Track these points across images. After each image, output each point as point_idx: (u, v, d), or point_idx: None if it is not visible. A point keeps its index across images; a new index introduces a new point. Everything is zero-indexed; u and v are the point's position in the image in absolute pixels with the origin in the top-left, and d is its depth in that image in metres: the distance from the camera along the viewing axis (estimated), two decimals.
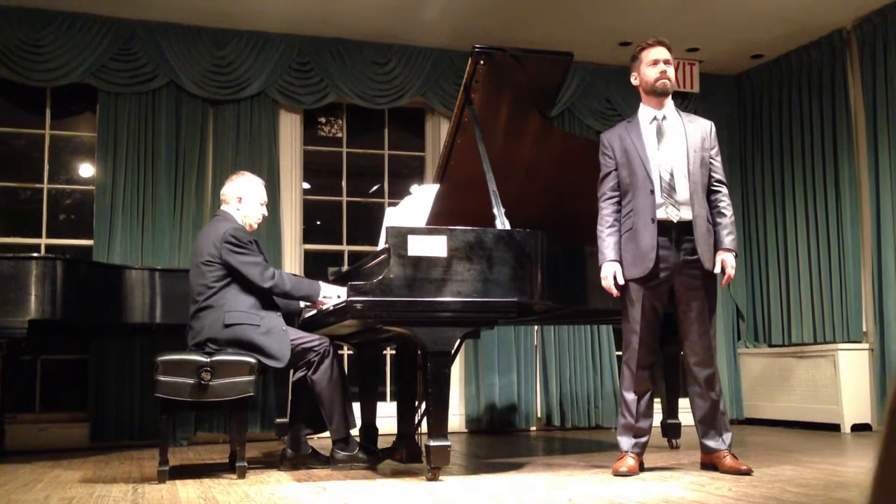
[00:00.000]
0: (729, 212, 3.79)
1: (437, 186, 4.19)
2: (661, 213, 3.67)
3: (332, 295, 4.04)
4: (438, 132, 6.58)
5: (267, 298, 4.02)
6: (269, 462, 4.43)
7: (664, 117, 3.80)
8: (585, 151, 4.56)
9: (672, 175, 3.70)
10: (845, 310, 6.11)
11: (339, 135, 6.71)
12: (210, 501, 3.10)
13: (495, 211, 3.72)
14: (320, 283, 4.13)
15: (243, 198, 4.17)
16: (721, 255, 3.73)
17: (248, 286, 3.95)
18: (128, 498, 3.23)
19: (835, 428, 5.93)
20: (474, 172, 3.95)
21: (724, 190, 3.82)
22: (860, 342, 6.03)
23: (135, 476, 3.92)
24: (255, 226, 4.26)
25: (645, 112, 3.84)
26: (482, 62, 3.99)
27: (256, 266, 3.95)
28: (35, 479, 3.86)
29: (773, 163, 6.83)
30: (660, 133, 3.77)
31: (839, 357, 5.95)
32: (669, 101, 3.85)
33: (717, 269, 3.72)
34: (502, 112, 4.33)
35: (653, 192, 3.68)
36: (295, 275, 4.43)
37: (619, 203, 3.80)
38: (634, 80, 3.88)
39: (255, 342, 3.86)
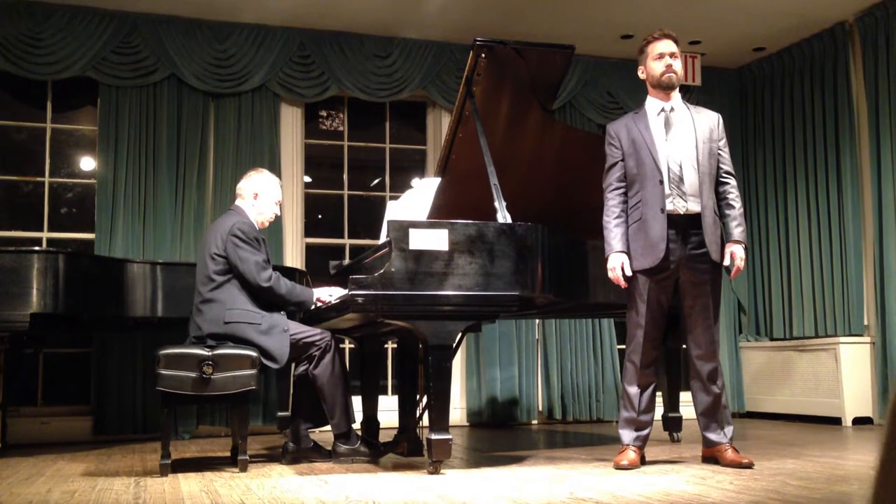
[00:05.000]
0: (738, 203, 3.78)
1: (438, 180, 4.18)
2: (668, 205, 3.66)
3: (325, 297, 4.05)
4: (440, 125, 6.57)
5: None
6: (271, 455, 4.44)
7: (672, 109, 3.79)
8: (587, 144, 4.56)
9: (681, 166, 3.69)
10: (847, 303, 6.10)
11: (341, 128, 6.70)
12: (212, 495, 3.11)
13: (497, 204, 3.72)
14: (314, 289, 4.14)
15: (259, 194, 4.16)
16: (730, 248, 3.73)
17: (246, 283, 3.95)
18: (130, 491, 3.23)
19: (836, 421, 5.93)
20: (475, 166, 3.94)
21: (733, 181, 3.81)
22: (861, 336, 6.03)
23: (137, 469, 3.93)
24: (268, 224, 4.24)
25: (652, 104, 3.83)
26: (483, 55, 3.98)
27: (256, 265, 3.93)
28: (37, 472, 3.86)
29: (774, 156, 6.82)
30: (668, 124, 3.76)
31: (840, 350, 5.95)
32: (676, 94, 3.84)
33: (727, 262, 3.72)
34: (504, 105, 4.32)
35: (662, 182, 3.67)
36: (305, 274, 4.42)
37: (625, 194, 3.78)
38: (641, 74, 3.86)
39: (254, 341, 3.85)
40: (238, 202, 4.18)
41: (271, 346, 3.87)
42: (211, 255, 3.96)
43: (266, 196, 4.17)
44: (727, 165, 3.81)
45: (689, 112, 3.81)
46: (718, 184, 3.78)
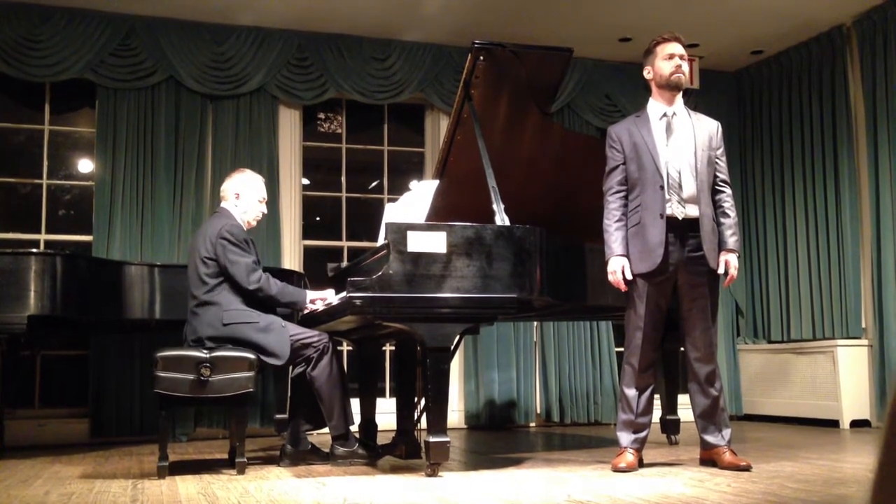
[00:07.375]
0: (733, 212, 3.79)
1: (436, 182, 4.18)
2: (667, 210, 3.66)
3: (318, 300, 4.04)
4: (438, 128, 6.57)
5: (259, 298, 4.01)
6: (269, 458, 4.44)
7: (674, 114, 3.79)
8: (585, 147, 4.57)
9: (680, 172, 3.69)
10: (844, 306, 6.11)
11: (339, 130, 6.70)
12: (209, 497, 3.11)
13: (495, 207, 3.72)
14: (307, 291, 4.13)
15: (241, 193, 4.16)
16: (724, 256, 3.73)
17: (237, 285, 3.94)
18: (127, 494, 3.23)
19: (834, 424, 5.93)
20: (474, 168, 3.94)
21: (729, 190, 3.82)
22: (859, 338, 6.03)
23: (134, 472, 3.92)
24: (254, 223, 4.24)
25: (655, 107, 3.83)
26: (482, 58, 3.99)
27: (245, 267, 3.93)
28: (34, 474, 3.86)
29: (772, 159, 6.83)
30: (669, 129, 3.76)
31: (838, 353, 5.96)
32: (679, 98, 3.84)
33: (721, 270, 3.72)
34: (502, 108, 4.33)
35: (662, 187, 3.67)
36: (301, 274, 4.42)
37: (626, 197, 3.78)
38: (648, 74, 3.86)
39: (254, 341, 3.85)
40: (223, 204, 4.20)
41: (272, 343, 3.87)
42: (202, 259, 3.95)
43: (248, 195, 4.17)
44: (723, 174, 3.82)
45: (689, 119, 3.82)
46: (714, 192, 3.79)
